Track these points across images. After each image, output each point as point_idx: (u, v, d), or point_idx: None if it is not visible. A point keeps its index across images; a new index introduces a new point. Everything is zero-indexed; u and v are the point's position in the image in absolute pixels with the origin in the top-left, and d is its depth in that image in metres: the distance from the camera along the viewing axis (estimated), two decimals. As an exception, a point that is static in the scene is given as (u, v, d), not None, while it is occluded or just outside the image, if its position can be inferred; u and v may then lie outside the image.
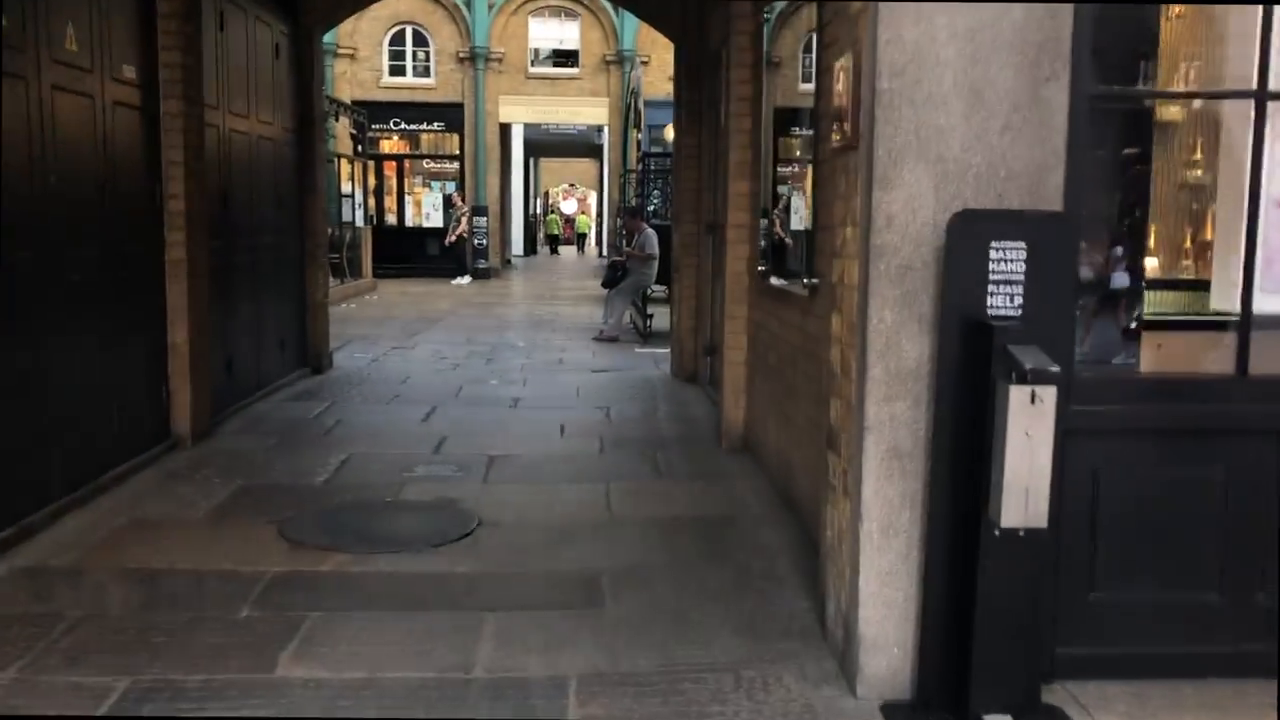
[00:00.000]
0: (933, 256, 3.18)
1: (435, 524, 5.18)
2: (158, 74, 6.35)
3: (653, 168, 17.23)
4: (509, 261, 31.94)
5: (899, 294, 3.20)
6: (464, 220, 24.73)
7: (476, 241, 27.27)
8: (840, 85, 3.48)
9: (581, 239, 54.92)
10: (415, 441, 6.95)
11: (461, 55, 27.74)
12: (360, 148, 23.20)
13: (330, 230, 20.41)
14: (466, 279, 23.76)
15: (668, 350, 12.16)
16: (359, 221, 22.33)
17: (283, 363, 9.01)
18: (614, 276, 14.11)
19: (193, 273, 6.58)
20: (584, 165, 48.75)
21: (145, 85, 6.23)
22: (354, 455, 6.52)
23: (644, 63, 24.85)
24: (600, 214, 40.80)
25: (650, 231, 13.89)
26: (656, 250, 13.74)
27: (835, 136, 3.51)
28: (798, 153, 5.82)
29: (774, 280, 5.88)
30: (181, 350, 6.55)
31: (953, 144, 3.16)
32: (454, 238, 24.44)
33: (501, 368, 10.91)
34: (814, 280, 4.65)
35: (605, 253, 34.80)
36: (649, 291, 14.00)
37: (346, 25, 27.36)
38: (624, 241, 17.78)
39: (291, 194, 9.33)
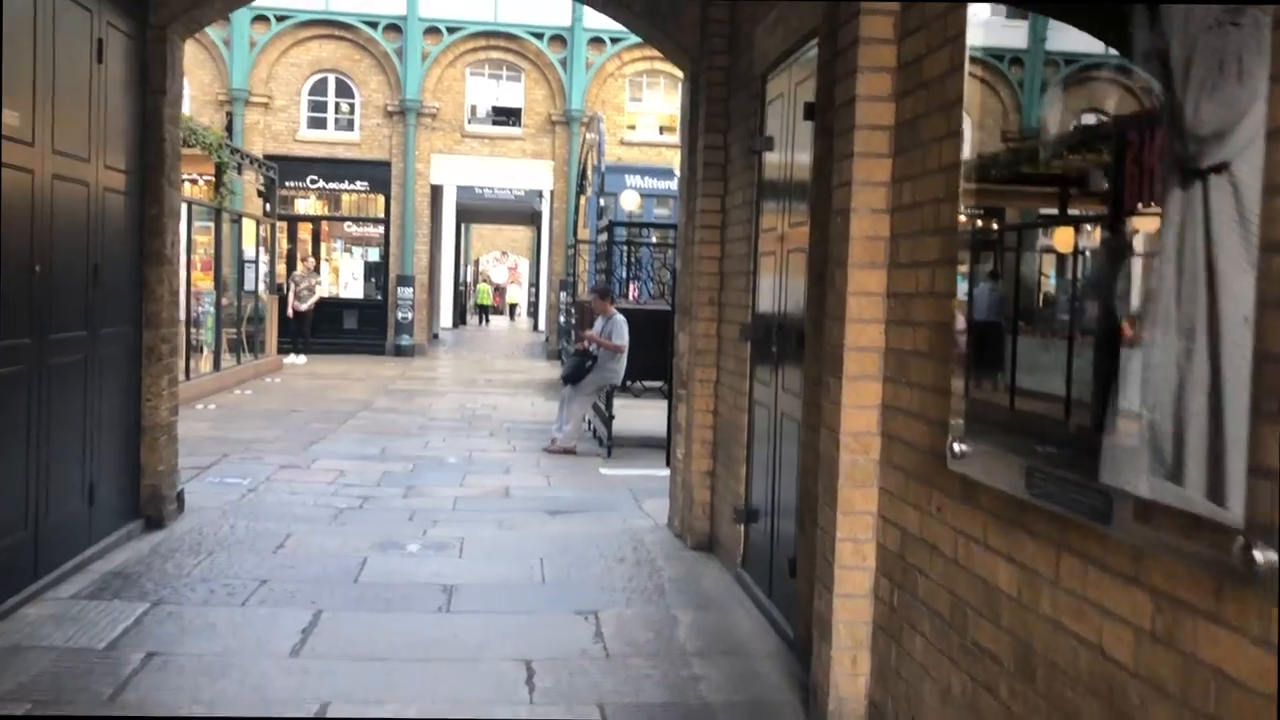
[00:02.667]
0: None
1: None
2: None
3: (619, 239, 14.37)
4: (436, 336, 28.89)
5: None
6: (314, 288, 21.66)
7: (400, 315, 24.25)
8: None
9: (512, 309, 53.07)
10: (270, 722, 3.88)
11: (390, 109, 24.86)
12: (270, 207, 20.14)
13: (228, 301, 17.27)
14: (301, 358, 20.54)
15: (643, 473, 9.39)
16: (263, 290, 19.16)
17: (91, 522, 5.86)
18: (580, 369, 11.15)
19: None
20: (518, 232, 46.10)
21: None
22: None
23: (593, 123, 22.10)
24: (536, 284, 37.92)
25: (620, 318, 11.08)
26: (627, 341, 10.99)
27: None
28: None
29: (999, 483, 2.95)
30: None
31: None
32: (299, 308, 21.21)
33: (425, 506, 7.92)
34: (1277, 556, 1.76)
35: (540, 326, 31.78)
36: (612, 390, 11.14)
37: (261, 71, 24.39)
38: (576, 325, 14.93)
39: (122, 266, 6.27)
